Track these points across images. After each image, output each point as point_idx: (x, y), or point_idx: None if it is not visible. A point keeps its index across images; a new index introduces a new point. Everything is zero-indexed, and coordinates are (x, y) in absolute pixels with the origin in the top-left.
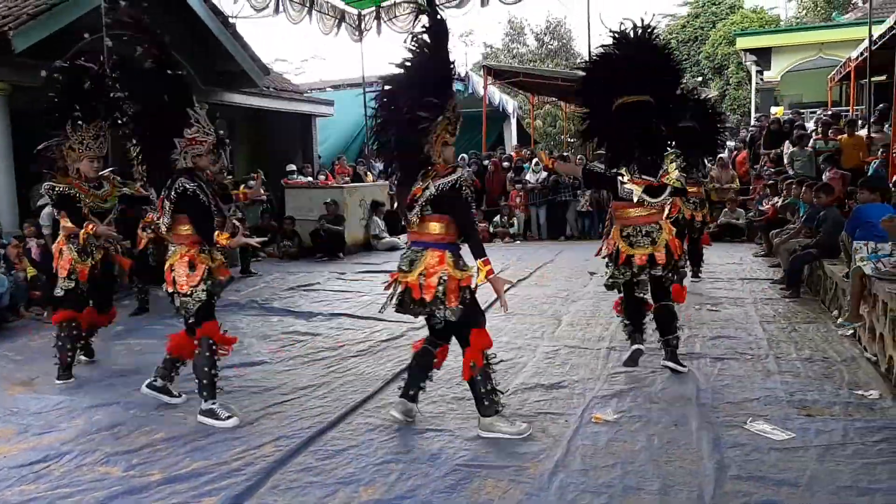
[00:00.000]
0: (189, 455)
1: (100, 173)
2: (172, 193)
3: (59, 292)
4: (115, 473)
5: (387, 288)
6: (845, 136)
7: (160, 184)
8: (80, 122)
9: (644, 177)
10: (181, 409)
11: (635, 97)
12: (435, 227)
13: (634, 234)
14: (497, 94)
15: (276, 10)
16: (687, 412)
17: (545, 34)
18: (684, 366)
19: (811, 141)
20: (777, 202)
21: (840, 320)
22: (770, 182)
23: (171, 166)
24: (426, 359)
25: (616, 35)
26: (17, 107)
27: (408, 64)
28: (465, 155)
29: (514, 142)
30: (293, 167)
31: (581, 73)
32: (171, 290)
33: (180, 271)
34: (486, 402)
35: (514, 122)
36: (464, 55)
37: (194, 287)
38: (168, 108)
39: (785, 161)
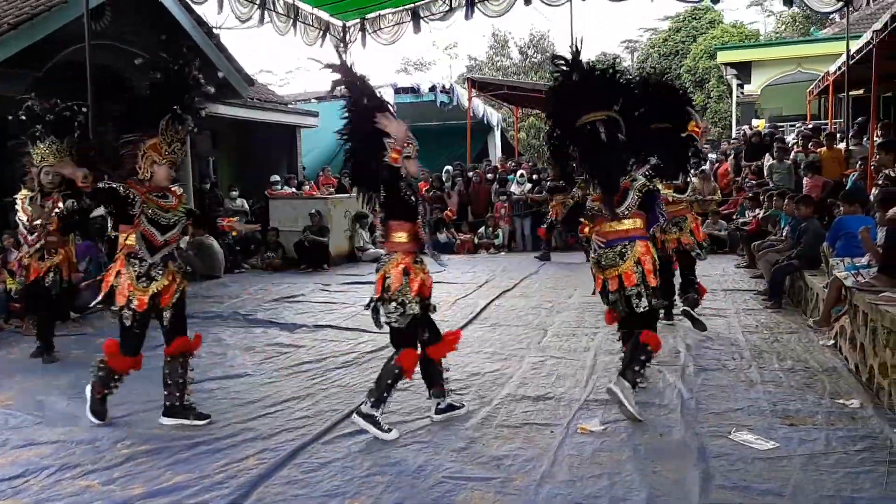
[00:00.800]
0: (171, 468)
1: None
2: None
3: (126, 321)
4: (95, 487)
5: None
6: (825, 149)
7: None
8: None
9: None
10: (162, 423)
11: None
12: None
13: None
14: (481, 107)
15: (261, 22)
16: (672, 422)
17: (529, 47)
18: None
19: (792, 153)
20: (759, 214)
21: (810, 321)
22: (751, 194)
23: None
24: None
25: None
26: None
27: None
28: (449, 167)
29: (499, 153)
30: (277, 178)
31: (547, 91)
32: (376, 296)
33: (395, 276)
34: None
35: (498, 134)
36: (448, 68)
37: (404, 296)
38: None
39: (765, 173)
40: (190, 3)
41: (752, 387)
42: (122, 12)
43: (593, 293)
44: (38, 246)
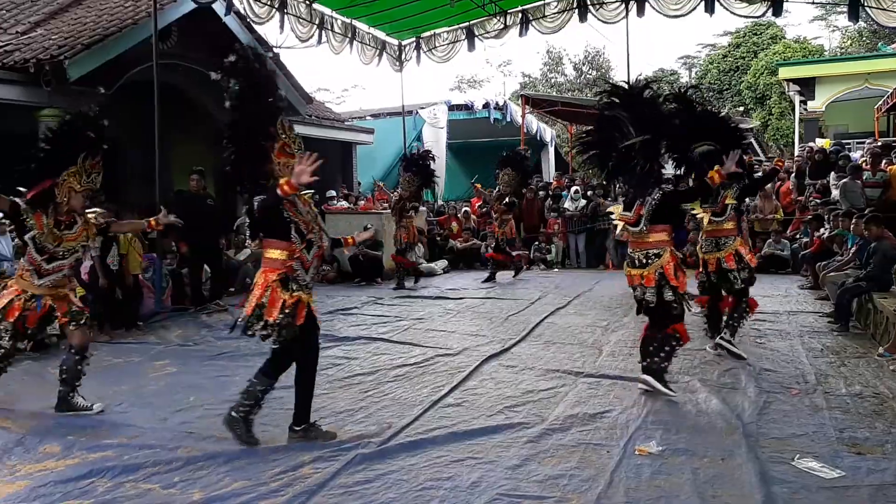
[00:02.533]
0: (228, 474)
1: None
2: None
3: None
4: (156, 491)
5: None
6: (895, 167)
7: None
8: None
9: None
10: (220, 429)
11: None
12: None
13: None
14: (535, 123)
15: (319, 41)
16: (733, 446)
17: (584, 63)
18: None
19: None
20: (823, 234)
21: (881, 349)
22: (813, 214)
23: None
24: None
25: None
26: None
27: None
28: None
29: (553, 170)
30: (334, 193)
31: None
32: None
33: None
34: None
35: (552, 150)
36: (502, 84)
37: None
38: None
39: (836, 193)
40: (251, 23)
41: (817, 412)
42: (187, 33)
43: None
44: None
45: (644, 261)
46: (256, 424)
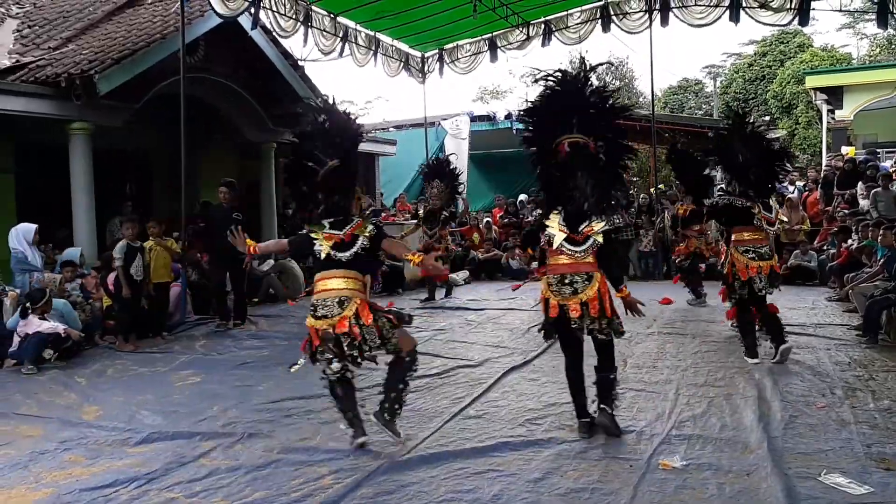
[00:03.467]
0: (250, 484)
1: None
2: None
3: None
4: (179, 499)
5: None
6: None
7: None
8: None
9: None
10: (243, 440)
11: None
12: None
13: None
14: None
15: (341, 54)
16: (758, 461)
17: (607, 73)
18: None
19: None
20: (852, 245)
21: None
22: (840, 225)
23: None
24: None
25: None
26: (98, 146)
27: None
28: (523, 195)
29: None
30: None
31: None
32: None
33: None
34: None
35: None
36: (525, 95)
37: None
38: None
39: (866, 202)
40: (277, 37)
41: (845, 427)
42: (213, 46)
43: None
44: None
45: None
46: (284, 435)
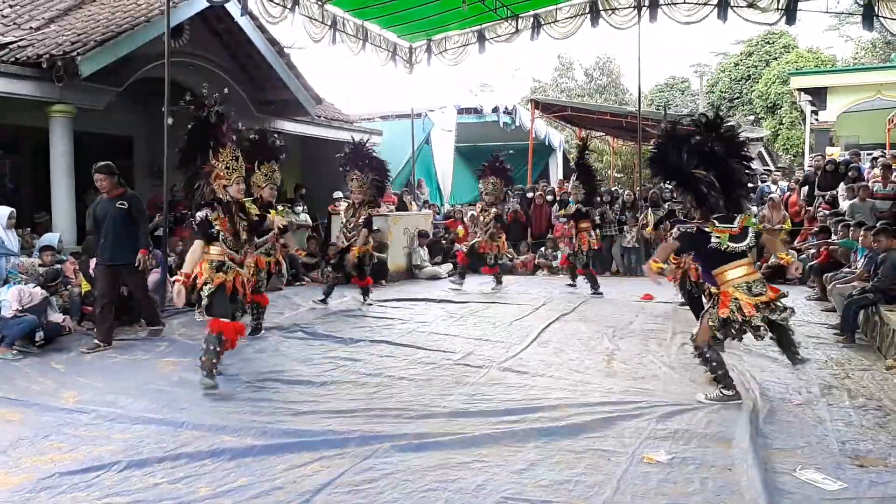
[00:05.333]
0: (234, 471)
1: None
2: None
3: None
4: (162, 485)
5: None
6: None
7: None
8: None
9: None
10: (226, 427)
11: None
12: None
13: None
14: (543, 128)
15: (333, 41)
16: (741, 456)
17: (594, 69)
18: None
19: (870, 183)
20: (835, 246)
21: (889, 361)
22: (820, 225)
23: None
24: None
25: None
26: (78, 128)
27: None
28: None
29: (560, 175)
30: (340, 194)
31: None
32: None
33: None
34: None
35: (559, 155)
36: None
37: None
38: None
39: (846, 203)
40: (263, 23)
41: (821, 424)
42: (198, 31)
43: None
44: None
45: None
46: (268, 421)
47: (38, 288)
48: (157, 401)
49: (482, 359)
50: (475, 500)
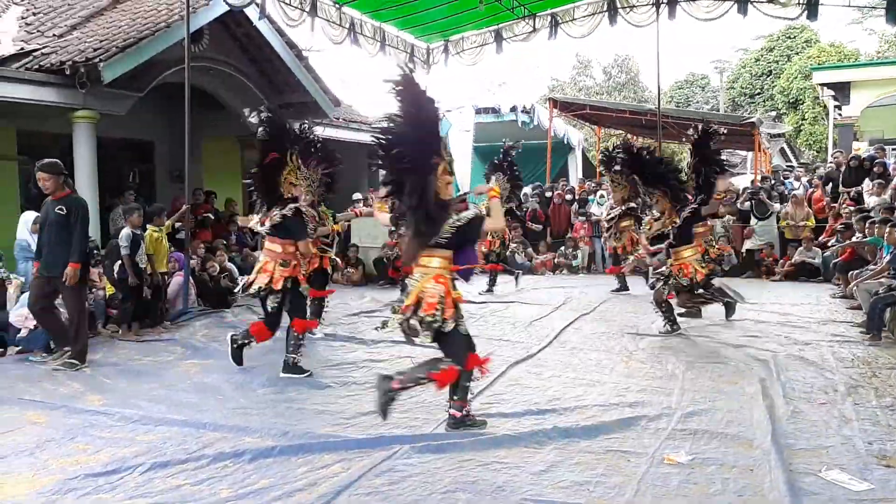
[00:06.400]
0: (255, 472)
1: None
2: None
3: None
4: (185, 487)
5: None
6: None
7: None
8: None
9: None
10: (247, 429)
11: None
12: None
13: None
14: (562, 127)
15: (353, 43)
16: (763, 456)
17: (613, 67)
18: None
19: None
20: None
21: None
22: (841, 225)
23: None
24: None
25: None
26: (101, 133)
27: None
28: (527, 188)
29: (580, 173)
30: (359, 196)
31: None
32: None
33: None
34: None
35: (578, 154)
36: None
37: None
38: None
39: (872, 199)
40: (282, 27)
41: (847, 423)
42: (217, 36)
43: None
44: None
45: None
46: (289, 423)
47: None
48: (180, 402)
49: (501, 359)
50: (495, 501)
